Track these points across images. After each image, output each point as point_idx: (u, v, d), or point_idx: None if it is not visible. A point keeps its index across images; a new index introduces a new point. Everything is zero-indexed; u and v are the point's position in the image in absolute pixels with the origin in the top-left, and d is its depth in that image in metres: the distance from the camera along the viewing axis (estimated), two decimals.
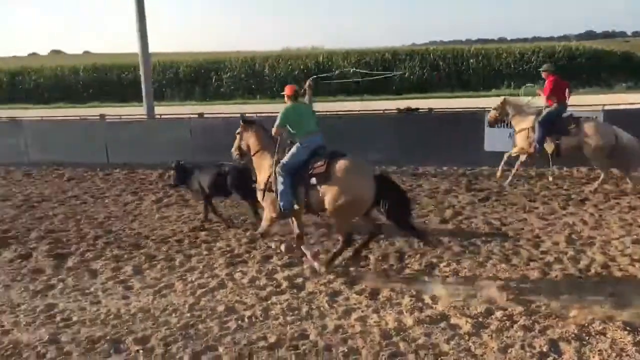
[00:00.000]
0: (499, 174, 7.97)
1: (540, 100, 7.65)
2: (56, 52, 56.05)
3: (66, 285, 5.42)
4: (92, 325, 4.55)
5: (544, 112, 7.38)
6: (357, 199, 4.38)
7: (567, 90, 7.39)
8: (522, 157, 7.82)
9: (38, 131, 12.21)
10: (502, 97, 8.24)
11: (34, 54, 57.15)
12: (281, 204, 4.68)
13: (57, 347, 4.16)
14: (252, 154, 5.15)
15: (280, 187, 4.60)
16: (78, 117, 13.78)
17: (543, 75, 7.57)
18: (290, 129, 4.76)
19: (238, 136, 5.28)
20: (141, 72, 13.14)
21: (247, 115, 7.06)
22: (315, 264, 4.98)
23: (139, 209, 8.36)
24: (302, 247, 5.13)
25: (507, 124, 8.29)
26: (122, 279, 5.58)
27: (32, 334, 4.37)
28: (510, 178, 7.92)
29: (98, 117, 12.89)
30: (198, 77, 28.78)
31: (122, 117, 13.53)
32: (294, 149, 4.68)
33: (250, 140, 5.13)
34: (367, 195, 4.40)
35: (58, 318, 4.68)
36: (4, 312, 4.77)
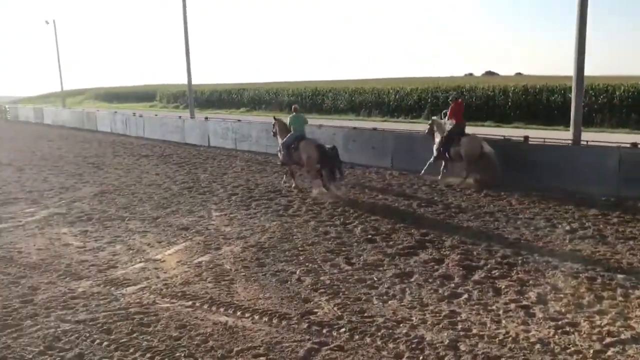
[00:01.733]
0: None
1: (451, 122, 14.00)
2: (490, 74, 65.73)
3: (470, 297, 6.93)
4: (490, 342, 5.76)
5: (447, 130, 13.89)
6: (308, 156, 12.71)
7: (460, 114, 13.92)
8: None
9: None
10: (432, 118, 15.09)
11: (470, 74, 69.10)
12: (281, 159, 13.72)
13: (455, 354, 5.55)
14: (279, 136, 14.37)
15: (282, 151, 13.58)
16: (502, 137, 15.99)
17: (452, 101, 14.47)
18: (291, 126, 13.70)
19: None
20: (572, 96, 14.37)
21: None
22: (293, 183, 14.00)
23: (551, 236, 9.40)
24: (293, 180, 14.09)
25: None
26: (525, 304, 6.65)
27: (436, 335, 5.98)
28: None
29: (522, 139, 14.60)
30: (635, 103, 27.78)
31: (546, 140, 14.74)
32: (288, 136, 13.51)
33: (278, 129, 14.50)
34: (313, 155, 12.69)
35: (459, 326, 6.15)
36: (414, 308, 6.64)
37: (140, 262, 8.55)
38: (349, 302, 6.83)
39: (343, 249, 8.96)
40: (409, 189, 13.53)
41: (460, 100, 14.73)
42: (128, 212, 11.80)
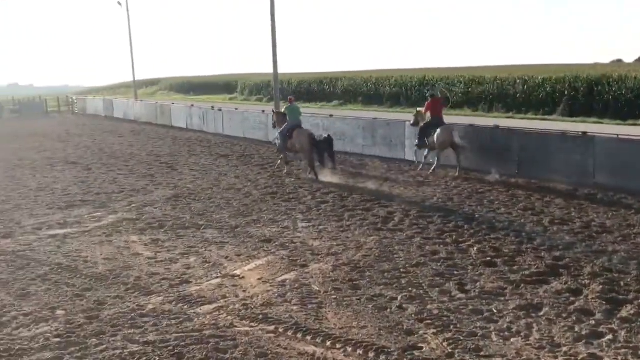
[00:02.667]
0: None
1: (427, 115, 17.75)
2: (618, 61, 61.37)
3: (616, 338, 6.58)
4: None
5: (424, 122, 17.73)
6: (301, 143, 16.69)
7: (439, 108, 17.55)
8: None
9: (609, 150, 14.35)
10: (417, 109, 19.01)
11: (619, 60, 65.01)
12: (278, 146, 17.94)
13: None
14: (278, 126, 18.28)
15: (279, 139, 17.61)
16: None
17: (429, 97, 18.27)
18: (288, 117, 17.65)
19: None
20: None
21: None
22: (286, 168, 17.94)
23: None
24: (285, 166, 17.97)
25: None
26: None
27: None
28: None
29: None
30: None
31: None
32: (285, 125, 17.49)
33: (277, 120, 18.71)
34: (305, 142, 16.57)
35: None
36: (544, 348, 6.40)
37: (217, 277, 8.88)
38: (461, 338, 6.70)
39: (455, 272, 8.82)
40: (538, 202, 13.10)
41: (439, 97, 18.74)
42: (204, 220, 12.31)
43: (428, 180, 15.77)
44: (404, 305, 7.62)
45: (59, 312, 7.71)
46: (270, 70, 31.07)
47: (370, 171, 17.41)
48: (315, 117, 23.47)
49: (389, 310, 7.52)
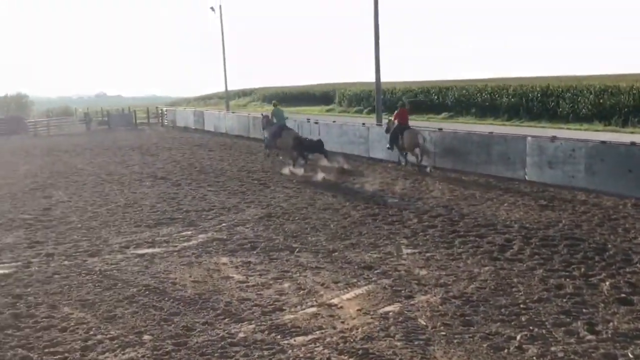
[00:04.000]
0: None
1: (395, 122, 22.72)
2: None
3: None
4: None
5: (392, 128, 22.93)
6: (286, 142, 22.21)
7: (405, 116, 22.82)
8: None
9: None
10: (389, 119, 24.73)
11: None
12: (266, 143, 24.75)
13: None
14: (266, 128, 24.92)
15: (268, 139, 24.00)
16: None
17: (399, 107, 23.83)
18: (274, 119, 23.77)
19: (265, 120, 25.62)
20: None
21: None
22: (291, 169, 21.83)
23: None
24: (267, 158, 25.16)
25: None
26: None
27: None
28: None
29: None
30: None
31: None
32: (273, 126, 23.49)
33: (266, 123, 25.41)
34: (289, 141, 22.11)
35: None
36: None
37: (312, 306, 8.95)
38: None
39: (583, 310, 8.49)
40: None
41: (405, 108, 24.20)
42: (298, 242, 12.49)
43: (552, 204, 15.27)
44: (523, 346, 7.40)
45: (145, 337, 8.02)
46: (372, 79, 31.24)
47: (485, 192, 17.08)
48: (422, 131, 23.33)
49: (506, 350, 7.32)
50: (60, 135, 46.08)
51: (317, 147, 22.37)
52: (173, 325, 8.37)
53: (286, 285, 9.93)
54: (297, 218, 14.68)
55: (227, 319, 8.52)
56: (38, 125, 50.99)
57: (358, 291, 9.56)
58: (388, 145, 22.95)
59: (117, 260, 11.67)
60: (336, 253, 11.65)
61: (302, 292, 9.58)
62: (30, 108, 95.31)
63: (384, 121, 30.77)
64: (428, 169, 21.22)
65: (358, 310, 8.74)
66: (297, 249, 11.99)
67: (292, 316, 8.57)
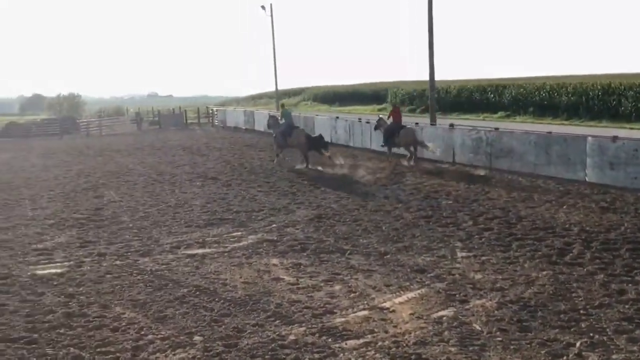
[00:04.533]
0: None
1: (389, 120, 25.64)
2: None
3: None
4: None
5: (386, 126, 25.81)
6: (298, 141, 24.37)
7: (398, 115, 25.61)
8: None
9: None
10: (379, 116, 28.97)
11: None
12: (278, 143, 25.43)
13: None
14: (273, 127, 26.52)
15: (279, 138, 25.15)
16: None
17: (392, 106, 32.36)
18: (283, 119, 25.86)
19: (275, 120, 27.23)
20: None
21: None
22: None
23: None
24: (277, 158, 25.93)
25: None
26: None
27: None
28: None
29: None
30: None
31: None
32: (282, 125, 25.38)
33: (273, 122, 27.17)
34: (302, 140, 24.28)
35: None
36: None
37: (364, 309, 8.95)
38: None
39: None
40: None
41: (398, 107, 27.74)
42: (349, 244, 12.50)
43: (613, 206, 14.95)
44: (583, 353, 7.27)
45: (196, 337, 8.14)
46: (425, 77, 31.13)
47: (543, 194, 16.80)
48: (477, 131, 23.10)
49: (565, 358, 7.20)
50: (112, 135, 47.08)
51: (321, 142, 24.66)
52: (223, 327, 8.48)
53: (337, 287, 9.96)
54: (348, 220, 14.70)
55: (277, 321, 8.59)
56: (90, 125, 52.21)
57: (411, 295, 9.53)
58: (382, 142, 25.75)
59: (168, 260, 11.88)
60: (388, 256, 11.63)
61: (353, 295, 9.58)
62: (83, 108, 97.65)
63: (438, 121, 30.75)
64: (412, 162, 24.14)
65: (411, 314, 8.71)
66: (348, 251, 12.00)
67: (343, 319, 8.58)
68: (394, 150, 25.44)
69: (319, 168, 23.43)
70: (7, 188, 21.26)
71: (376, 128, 26.64)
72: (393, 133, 24.88)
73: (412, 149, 24.45)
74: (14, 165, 28.28)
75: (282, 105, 28.55)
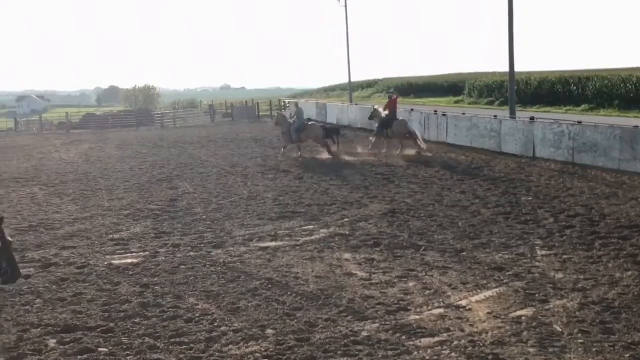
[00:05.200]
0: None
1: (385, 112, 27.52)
2: None
3: None
4: None
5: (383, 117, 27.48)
6: (315, 134, 26.91)
7: (397, 106, 28.03)
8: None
9: None
10: (374, 107, 30.92)
11: None
12: (293, 139, 27.05)
13: None
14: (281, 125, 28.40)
15: (293, 134, 27.03)
16: None
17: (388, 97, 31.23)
18: (295, 116, 28.27)
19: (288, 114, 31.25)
20: None
21: None
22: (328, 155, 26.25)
23: None
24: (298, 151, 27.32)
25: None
26: None
27: None
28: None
29: None
30: None
31: None
32: (295, 122, 27.30)
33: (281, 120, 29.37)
34: (319, 133, 26.86)
35: None
36: None
37: (439, 306, 8.90)
38: None
39: None
40: None
41: (395, 97, 29.10)
42: (424, 240, 12.44)
43: None
44: None
45: (268, 330, 8.26)
46: (505, 67, 30.55)
47: (628, 191, 16.30)
48: (559, 124, 22.55)
49: None
50: (185, 127, 48.12)
51: (335, 131, 27.26)
52: (295, 320, 8.57)
53: (411, 284, 9.92)
54: (422, 215, 14.62)
55: (350, 317, 8.62)
56: (164, 117, 53.60)
57: (488, 293, 9.41)
58: (377, 132, 27.72)
59: (241, 252, 12.08)
60: (464, 252, 11.52)
61: (428, 292, 9.54)
62: (157, 100, 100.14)
63: (518, 114, 30.14)
64: (415, 152, 25.53)
65: (488, 313, 8.60)
66: (423, 247, 11.95)
67: (417, 316, 8.55)
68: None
69: (345, 157, 25.15)
70: (84, 178, 22.02)
71: (370, 118, 29.49)
72: (387, 124, 26.73)
73: (412, 139, 25.92)
74: (91, 156, 29.25)
75: (296, 105, 34.59)
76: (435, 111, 31.82)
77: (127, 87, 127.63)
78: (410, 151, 25.78)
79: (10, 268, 6.44)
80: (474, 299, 9.17)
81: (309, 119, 29.14)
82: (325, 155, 25.73)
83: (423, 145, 25.91)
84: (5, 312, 9.10)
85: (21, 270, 7.39)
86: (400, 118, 27.49)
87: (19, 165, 26.01)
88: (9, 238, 6.51)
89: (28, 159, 28.59)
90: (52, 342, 8.04)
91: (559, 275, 10.08)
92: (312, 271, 10.75)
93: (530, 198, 16.01)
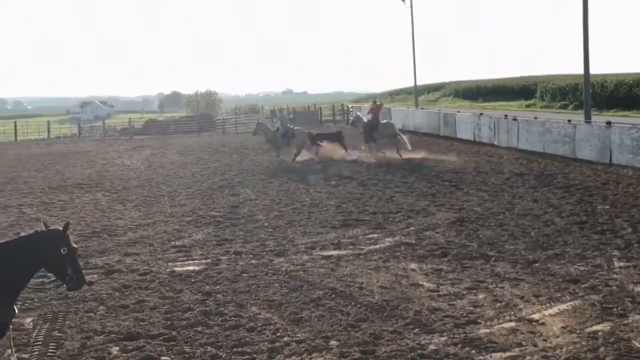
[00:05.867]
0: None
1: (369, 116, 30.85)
2: None
3: None
4: None
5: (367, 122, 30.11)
6: (303, 140, 28.88)
7: (380, 112, 31.58)
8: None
9: None
10: (356, 114, 36.26)
11: None
12: (280, 145, 28.98)
13: None
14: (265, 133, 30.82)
15: (280, 140, 29.02)
16: None
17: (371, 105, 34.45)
18: (279, 122, 30.53)
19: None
20: None
21: None
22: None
23: None
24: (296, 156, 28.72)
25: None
26: None
27: None
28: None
29: None
30: None
31: None
32: (281, 129, 29.29)
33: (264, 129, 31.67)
34: (307, 138, 29.00)
35: None
36: None
37: (511, 320, 8.76)
38: None
39: None
40: None
41: (380, 103, 35.06)
42: (494, 250, 12.27)
43: None
44: None
45: (332, 342, 8.25)
46: (579, 70, 29.97)
47: None
48: (637, 129, 21.86)
49: None
50: (247, 132, 48.58)
51: (319, 137, 29.70)
52: (360, 332, 8.54)
53: (481, 296, 9.79)
54: (492, 224, 14.41)
55: (417, 329, 8.55)
56: (226, 123, 54.29)
57: (562, 307, 9.21)
58: (365, 138, 29.08)
59: (303, 261, 12.14)
60: (537, 264, 11.30)
61: (498, 304, 9.38)
62: (219, 105, 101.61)
63: (594, 118, 29.50)
64: (400, 154, 27.30)
65: (562, 327, 8.41)
66: (493, 258, 11.77)
67: (487, 330, 8.42)
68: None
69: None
70: (147, 185, 22.51)
71: (352, 124, 32.85)
72: (373, 128, 28.75)
73: (394, 140, 28.05)
74: (153, 162, 29.91)
75: (281, 110, 35.89)
76: (506, 116, 31.41)
77: (189, 92, 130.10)
78: (395, 152, 27.83)
79: (75, 275, 6.59)
80: (547, 312, 8.99)
81: (292, 126, 30.83)
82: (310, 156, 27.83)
83: (409, 147, 27.88)
84: (69, 319, 9.39)
85: (85, 277, 7.58)
86: (386, 121, 30.45)
87: (82, 172, 26.75)
88: (74, 245, 6.65)
89: (92, 165, 29.38)
90: (115, 350, 8.24)
91: (638, 288, 9.79)
92: (377, 281, 10.70)
93: (607, 207, 15.61)
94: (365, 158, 27.57)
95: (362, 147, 29.70)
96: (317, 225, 15.02)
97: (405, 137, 28.67)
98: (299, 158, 27.53)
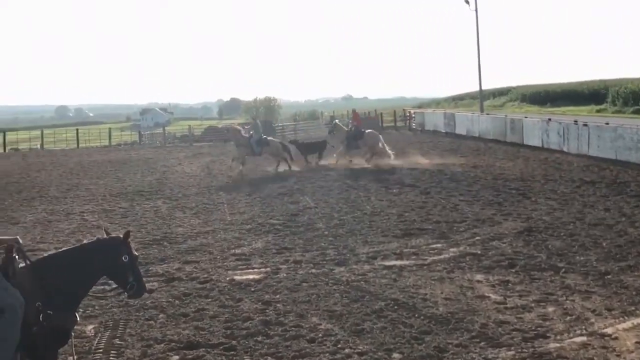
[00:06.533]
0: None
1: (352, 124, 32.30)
2: None
3: None
4: None
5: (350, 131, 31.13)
6: (277, 149, 29.62)
7: (359, 119, 34.27)
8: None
9: None
10: (334, 122, 34.89)
11: None
12: (256, 151, 29.52)
13: None
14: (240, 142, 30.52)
15: (255, 147, 29.55)
16: None
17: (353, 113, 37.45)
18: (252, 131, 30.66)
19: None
20: None
21: None
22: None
23: None
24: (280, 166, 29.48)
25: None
26: None
27: None
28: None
29: None
30: None
31: None
32: (255, 138, 29.63)
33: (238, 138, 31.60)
34: (280, 148, 29.72)
35: None
36: None
37: (582, 334, 8.62)
38: None
39: None
40: None
41: (356, 111, 37.13)
42: (564, 262, 12.06)
43: None
44: None
45: (395, 355, 8.26)
46: None
47: None
48: None
49: None
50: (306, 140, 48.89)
51: (291, 149, 30.06)
52: (424, 345, 8.49)
53: (550, 309, 9.63)
54: (562, 234, 14.17)
55: (483, 343, 8.47)
56: (285, 129, 54.59)
57: (636, 321, 9.01)
58: (347, 146, 29.83)
59: (365, 271, 12.12)
60: (610, 276, 11.07)
61: (569, 318, 9.23)
62: (278, 112, 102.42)
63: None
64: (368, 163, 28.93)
65: (636, 342, 8.23)
66: (563, 269, 11.57)
67: (557, 345, 8.30)
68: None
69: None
70: (206, 192, 22.77)
71: (330, 132, 32.32)
72: (356, 136, 29.90)
73: (380, 149, 29.43)
74: (212, 169, 30.30)
75: (254, 119, 38.74)
76: (576, 121, 30.76)
77: (248, 99, 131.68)
78: (380, 160, 29.34)
79: (136, 282, 6.73)
80: (620, 326, 8.80)
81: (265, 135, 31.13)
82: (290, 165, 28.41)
83: (392, 157, 29.25)
84: (129, 327, 9.58)
85: (146, 285, 7.77)
86: (370, 130, 31.82)
87: (143, 179, 27.24)
88: (135, 252, 6.80)
89: (152, 172, 29.87)
90: (175, 359, 8.37)
91: None
92: (442, 293, 10.63)
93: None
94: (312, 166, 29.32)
95: (334, 155, 30.57)
96: (379, 234, 14.97)
97: (387, 147, 29.89)
98: (240, 167, 28.27)
